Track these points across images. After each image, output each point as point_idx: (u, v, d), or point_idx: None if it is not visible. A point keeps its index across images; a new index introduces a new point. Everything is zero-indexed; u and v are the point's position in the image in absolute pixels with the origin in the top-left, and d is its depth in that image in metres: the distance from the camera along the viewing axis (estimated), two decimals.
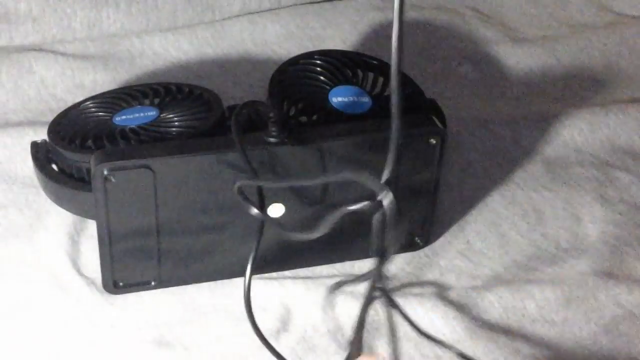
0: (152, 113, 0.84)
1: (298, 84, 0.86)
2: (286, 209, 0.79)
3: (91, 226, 0.85)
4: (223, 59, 1.09)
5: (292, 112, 0.83)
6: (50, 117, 0.87)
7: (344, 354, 0.77)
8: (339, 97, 0.85)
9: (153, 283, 0.81)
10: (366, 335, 0.77)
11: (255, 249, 0.74)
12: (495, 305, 0.81)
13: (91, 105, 0.87)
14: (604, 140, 1.01)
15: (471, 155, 0.98)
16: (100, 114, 0.85)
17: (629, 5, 1.23)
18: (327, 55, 0.89)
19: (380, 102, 0.85)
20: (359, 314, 0.68)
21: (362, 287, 0.82)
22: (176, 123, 0.82)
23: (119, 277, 0.79)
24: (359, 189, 0.80)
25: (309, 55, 0.90)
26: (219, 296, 0.81)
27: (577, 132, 1.01)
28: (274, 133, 0.76)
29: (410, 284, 0.83)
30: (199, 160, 0.75)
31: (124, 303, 0.80)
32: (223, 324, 0.79)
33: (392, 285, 0.83)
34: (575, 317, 0.81)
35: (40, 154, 0.83)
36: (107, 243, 0.77)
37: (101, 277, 0.79)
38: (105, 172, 0.73)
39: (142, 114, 0.84)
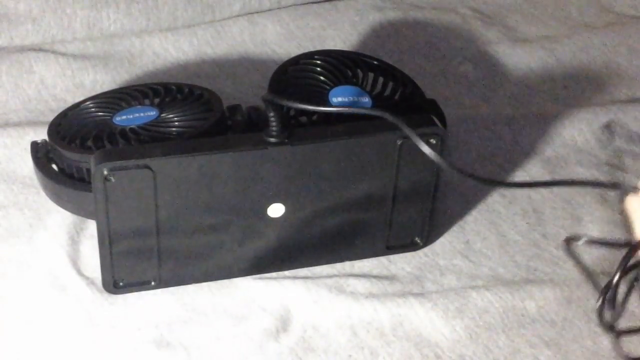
0: (152, 113, 0.84)
1: (298, 84, 0.86)
2: (286, 209, 0.79)
3: (91, 226, 0.85)
4: (223, 59, 1.09)
5: (292, 112, 0.83)
6: (50, 117, 0.87)
7: (344, 354, 0.77)
8: (339, 97, 0.85)
9: (153, 283, 0.81)
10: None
11: None
12: (495, 305, 0.81)
13: (91, 105, 0.87)
14: (603, 140, 1.01)
15: (471, 155, 0.98)
16: (100, 114, 0.85)
17: (629, 5, 1.23)
18: (327, 55, 0.89)
19: (380, 102, 0.85)
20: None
21: (362, 287, 0.83)
22: (176, 123, 0.82)
23: (119, 277, 0.79)
24: (360, 188, 0.81)
25: (309, 55, 0.90)
26: (219, 296, 0.81)
27: (577, 132, 1.01)
28: (274, 133, 0.76)
29: (410, 284, 0.83)
30: (199, 160, 0.75)
31: (124, 303, 0.80)
32: (223, 324, 0.79)
33: (392, 286, 0.83)
34: (575, 317, 0.81)
35: (40, 154, 0.83)
36: (107, 243, 0.77)
37: (101, 277, 0.79)
38: (105, 172, 0.73)
39: (142, 114, 0.84)
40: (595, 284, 0.59)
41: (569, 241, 0.59)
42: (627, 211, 0.59)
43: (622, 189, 0.63)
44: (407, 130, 0.71)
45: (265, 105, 0.76)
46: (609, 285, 0.57)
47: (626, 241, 0.57)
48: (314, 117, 0.83)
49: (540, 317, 0.81)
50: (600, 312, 0.57)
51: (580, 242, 0.59)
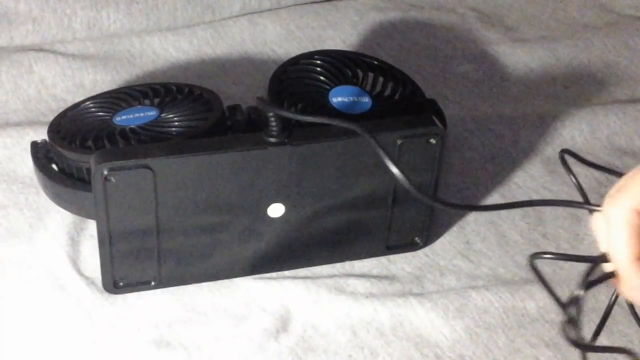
0: (152, 113, 0.84)
1: (298, 84, 0.86)
2: (286, 209, 0.79)
3: (91, 226, 0.85)
4: (223, 59, 1.09)
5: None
6: (50, 117, 0.87)
7: (344, 354, 0.77)
8: (339, 97, 0.85)
9: (153, 283, 0.81)
10: None
11: None
12: (495, 305, 0.81)
13: (91, 105, 0.87)
14: (603, 140, 1.01)
15: (471, 155, 0.98)
16: (100, 114, 0.85)
17: (629, 5, 1.23)
18: (327, 55, 0.89)
19: (380, 102, 0.85)
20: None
21: (362, 287, 0.83)
22: (176, 123, 0.82)
23: (119, 277, 0.79)
24: (360, 188, 0.81)
25: (309, 55, 0.90)
26: (219, 296, 0.81)
27: (577, 132, 1.01)
28: (274, 133, 0.76)
29: (410, 284, 0.83)
30: (199, 160, 0.75)
31: (124, 303, 0.80)
32: (223, 324, 0.79)
33: (392, 286, 0.83)
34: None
35: (40, 154, 0.83)
36: (107, 243, 0.77)
37: (101, 277, 0.79)
38: (105, 172, 0.73)
39: (142, 114, 0.84)
40: (557, 299, 0.60)
41: (534, 257, 0.61)
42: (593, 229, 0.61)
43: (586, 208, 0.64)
44: (373, 145, 0.72)
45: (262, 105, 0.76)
46: (571, 302, 0.58)
47: (590, 256, 0.58)
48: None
49: (540, 317, 0.81)
50: (564, 328, 0.58)
51: (546, 257, 0.60)
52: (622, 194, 0.56)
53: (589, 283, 0.58)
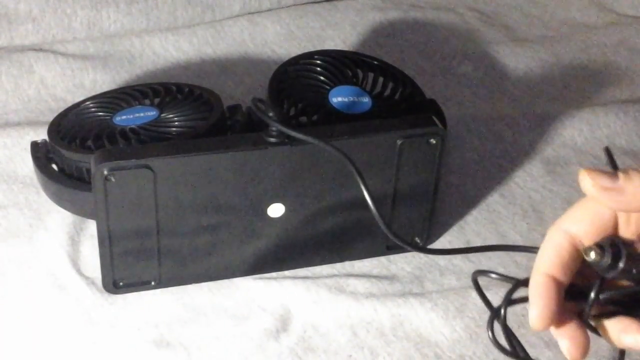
0: (152, 113, 0.84)
1: (298, 84, 0.86)
2: (286, 209, 0.79)
3: (91, 226, 0.85)
4: (223, 59, 1.09)
5: (292, 112, 0.83)
6: (50, 117, 0.87)
7: (344, 354, 0.77)
8: (339, 97, 0.85)
9: (153, 283, 0.81)
10: None
11: None
12: (496, 305, 0.81)
13: (91, 105, 0.87)
14: (604, 140, 1.01)
15: (471, 155, 0.98)
16: (100, 114, 0.85)
17: (629, 5, 1.23)
18: (327, 55, 0.89)
19: (380, 102, 0.85)
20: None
21: (362, 287, 0.82)
22: (176, 123, 0.82)
23: (119, 277, 0.79)
24: (360, 188, 0.81)
25: (309, 55, 0.90)
26: (219, 296, 0.81)
27: (577, 132, 1.01)
28: (274, 133, 0.76)
29: (410, 284, 0.83)
30: (199, 160, 0.75)
31: (124, 303, 0.80)
32: (223, 324, 0.79)
33: (392, 286, 0.83)
34: None
35: (40, 154, 0.83)
36: (107, 243, 0.77)
37: (101, 277, 0.79)
38: (105, 172, 0.73)
39: (142, 114, 0.84)
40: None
41: (477, 275, 0.64)
42: None
43: None
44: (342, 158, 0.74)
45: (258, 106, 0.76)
46: (493, 315, 0.63)
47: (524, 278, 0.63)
48: (314, 117, 0.83)
49: None
50: (494, 340, 0.61)
51: (492, 276, 0.64)
52: (562, 217, 0.62)
53: (510, 300, 0.63)
